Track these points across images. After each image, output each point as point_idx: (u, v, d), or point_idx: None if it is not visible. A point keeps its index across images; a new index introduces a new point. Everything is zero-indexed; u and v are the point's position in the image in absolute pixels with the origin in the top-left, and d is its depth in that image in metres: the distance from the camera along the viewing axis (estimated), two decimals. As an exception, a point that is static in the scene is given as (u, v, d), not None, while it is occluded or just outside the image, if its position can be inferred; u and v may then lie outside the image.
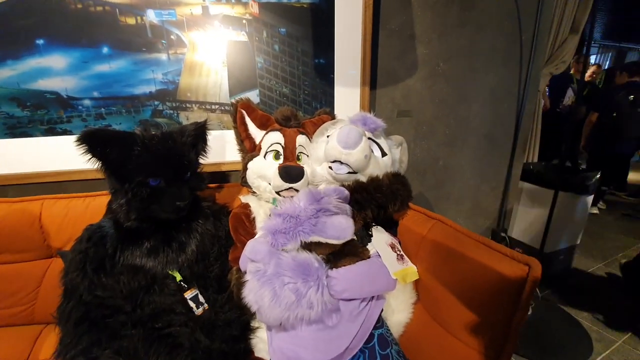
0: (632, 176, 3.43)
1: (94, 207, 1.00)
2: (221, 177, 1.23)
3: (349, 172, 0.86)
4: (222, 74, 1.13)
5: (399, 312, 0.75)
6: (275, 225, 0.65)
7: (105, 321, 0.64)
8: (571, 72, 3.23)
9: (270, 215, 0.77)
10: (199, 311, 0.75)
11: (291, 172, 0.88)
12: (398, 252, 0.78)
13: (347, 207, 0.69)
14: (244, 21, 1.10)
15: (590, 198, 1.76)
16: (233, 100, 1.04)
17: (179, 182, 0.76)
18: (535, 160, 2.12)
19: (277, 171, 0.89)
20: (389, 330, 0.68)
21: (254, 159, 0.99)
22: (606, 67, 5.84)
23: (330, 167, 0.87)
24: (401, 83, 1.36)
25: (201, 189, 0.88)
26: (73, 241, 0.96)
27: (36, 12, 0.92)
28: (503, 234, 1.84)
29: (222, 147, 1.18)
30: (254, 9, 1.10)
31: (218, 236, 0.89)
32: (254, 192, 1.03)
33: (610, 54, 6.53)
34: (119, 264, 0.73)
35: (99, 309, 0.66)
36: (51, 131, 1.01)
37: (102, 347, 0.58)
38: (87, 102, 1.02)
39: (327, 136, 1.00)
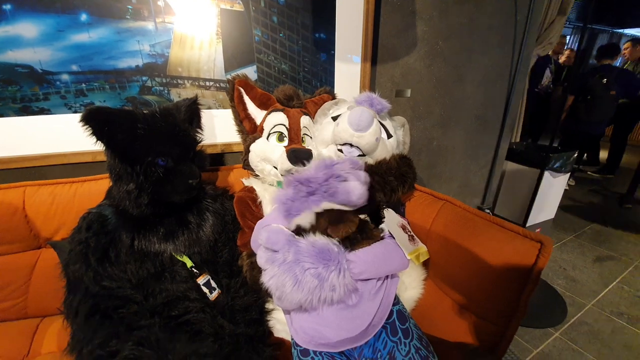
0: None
1: (82, 193, 0.93)
2: (218, 159, 1.18)
3: (359, 155, 0.85)
4: (217, 47, 1.05)
5: (411, 288, 0.78)
6: (286, 194, 0.64)
7: (119, 312, 0.62)
8: (549, 53, 3.33)
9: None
10: (212, 296, 0.74)
11: (300, 156, 0.86)
12: (409, 233, 0.80)
13: (362, 173, 0.68)
14: (240, -12, 1.01)
15: (567, 176, 1.88)
16: (229, 77, 0.97)
17: (188, 159, 0.74)
18: (518, 140, 2.22)
19: (285, 154, 0.86)
20: (404, 306, 0.71)
21: (257, 141, 0.95)
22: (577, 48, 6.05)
23: (340, 150, 0.85)
24: (401, 61, 1.33)
25: (205, 167, 0.85)
26: (62, 230, 0.91)
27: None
28: (488, 211, 1.95)
29: (220, 128, 1.12)
30: (250, -26, 1.01)
31: (225, 221, 0.86)
32: (256, 175, 1.00)
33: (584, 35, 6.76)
34: (124, 252, 0.69)
35: (109, 300, 0.63)
36: (26, 110, 0.90)
37: (121, 340, 0.56)
38: (65, 76, 0.91)
39: (332, 117, 0.97)
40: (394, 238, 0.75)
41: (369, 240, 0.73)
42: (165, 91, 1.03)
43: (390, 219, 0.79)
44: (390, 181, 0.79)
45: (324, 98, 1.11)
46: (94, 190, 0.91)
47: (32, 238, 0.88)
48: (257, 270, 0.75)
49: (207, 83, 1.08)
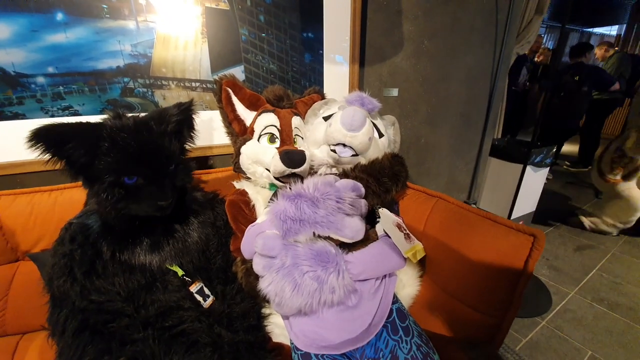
0: (570, 148, 3.89)
1: (63, 202, 0.88)
2: (205, 162, 1.15)
3: (352, 155, 0.85)
4: (202, 47, 1.02)
5: (409, 286, 0.79)
6: (286, 212, 0.63)
7: (109, 327, 0.58)
8: (526, 52, 3.46)
9: (275, 197, 0.75)
10: (206, 304, 0.72)
11: (294, 158, 0.85)
12: (404, 231, 0.80)
13: (363, 203, 0.68)
14: (225, -14, 0.99)
15: (547, 170, 1.96)
16: (216, 77, 0.95)
17: (161, 178, 0.66)
18: (499, 136, 2.29)
19: (279, 156, 0.85)
20: (402, 304, 0.72)
21: (247, 143, 0.93)
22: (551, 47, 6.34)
23: (333, 151, 0.85)
24: (388, 60, 1.34)
25: (188, 182, 0.79)
26: (42, 242, 0.86)
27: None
28: (474, 206, 2.00)
29: (207, 130, 1.09)
30: (235, -28, 0.99)
31: (217, 226, 0.84)
32: (247, 178, 0.98)
33: (555, 34, 7.07)
34: (111, 264, 0.66)
35: (98, 314, 0.60)
36: (-2, 115, 0.85)
37: (113, 356, 0.53)
38: (40, 79, 0.86)
39: (324, 118, 0.97)
40: (389, 237, 0.76)
41: (365, 242, 0.74)
42: (149, 93, 1.00)
43: (385, 219, 0.80)
44: (384, 182, 0.79)
45: (313, 98, 1.11)
46: (75, 198, 0.86)
47: (9, 251, 0.82)
48: (253, 277, 0.74)
49: (193, 84, 1.05)
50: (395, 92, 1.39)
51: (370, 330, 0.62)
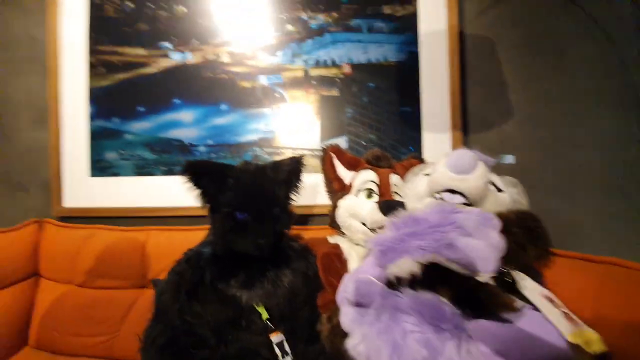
0: None
1: (192, 239, 1.01)
2: (305, 221, 1.20)
3: (464, 204, 0.73)
4: (315, 123, 1.22)
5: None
6: (385, 236, 0.54)
7: (191, 351, 0.56)
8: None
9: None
10: (284, 361, 0.62)
11: (393, 205, 0.80)
12: (562, 309, 0.55)
13: (496, 235, 0.54)
14: (337, 79, 1.23)
15: None
16: (323, 146, 1.08)
17: (265, 219, 0.73)
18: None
19: (377, 206, 0.82)
20: None
21: (345, 197, 0.94)
22: None
23: (441, 198, 0.75)
24: (496, 128, 1.27)
25: (288, 227, 0.84)
26: (165, 272, 0.98)
27: (179, 79, 1.19)
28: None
29: (310, 191, 1.19)
30: (347, 69, 1.24)
31: (308, 276, 0.80)
32: (342, 234, 0.95)
33: None
34: (209, 290, 0.68)
35: (187, 336, 0.59)
36: (170, 172, 1.17)
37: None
38: (202, 148, 1.18)
39: (425, 174, 0.92)
40: (538, 311, 0.53)
41: (494, 307, 0.54)
42: (270, 159, 1.21)
43: (530, 286, 0.58)
44: (515, 232, 0.62)
45: (412, 162, 1.09)
46: (200, 237, 1.00)
47: (140, 276, 0.97)
48: (340, 337, 0.61)
49: (305, 152, 1.22)
50: (510, 159, 1.24)
51: None
